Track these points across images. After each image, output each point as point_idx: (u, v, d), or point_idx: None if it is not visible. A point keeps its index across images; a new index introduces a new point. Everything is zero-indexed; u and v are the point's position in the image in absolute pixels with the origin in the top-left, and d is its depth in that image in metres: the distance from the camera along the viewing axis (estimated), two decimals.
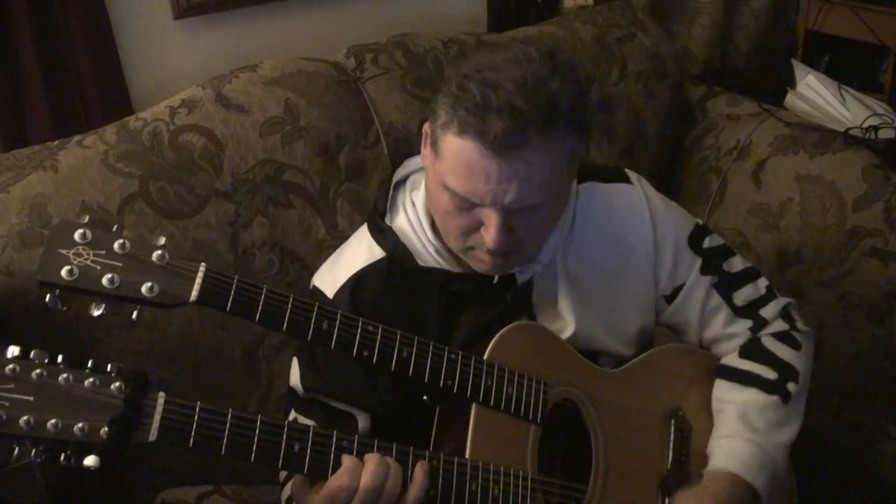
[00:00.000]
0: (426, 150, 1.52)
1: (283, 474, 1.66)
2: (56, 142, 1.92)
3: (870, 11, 3.03)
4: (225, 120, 2.02)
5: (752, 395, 1.73)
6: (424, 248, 1.63)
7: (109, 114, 2.10)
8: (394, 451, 1.41)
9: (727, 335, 1.80)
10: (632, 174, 1.77)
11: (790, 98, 2.83)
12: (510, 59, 1.41)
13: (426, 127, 1.51)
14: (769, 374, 1.75)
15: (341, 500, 1.36)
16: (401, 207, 1.67)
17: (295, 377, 1.66)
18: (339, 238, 2.07)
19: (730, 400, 1.75)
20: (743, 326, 1.80)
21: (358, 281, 1.62)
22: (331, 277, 1.66)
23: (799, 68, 2.94)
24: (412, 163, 1.72)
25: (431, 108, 1.47)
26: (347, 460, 1.37)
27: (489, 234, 1.46)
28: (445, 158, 1.44)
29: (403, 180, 1.72)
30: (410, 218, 1.64)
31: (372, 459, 1.38)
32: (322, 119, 2.12)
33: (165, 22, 2.27)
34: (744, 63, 3.21)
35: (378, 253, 1.65)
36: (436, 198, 1.51)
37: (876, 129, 2.52)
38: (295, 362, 1.67)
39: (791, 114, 2.72)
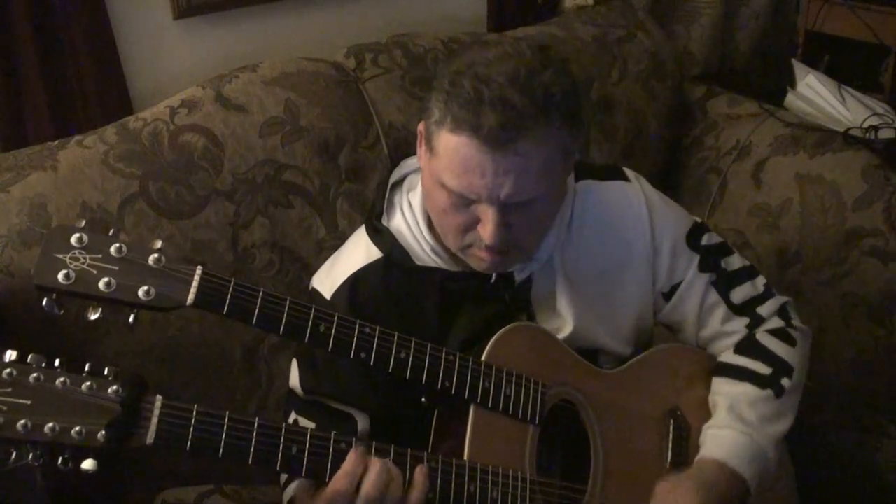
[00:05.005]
0: (421, 150, 1.52)
1: (283, 476, 1.67)
2: (56, 142, 1.92)
3: (870, 11, 3.03)
4: (225, 120, 2.02)
5: (745, 389, 1.73)
6: (421, 247, 1.63)
7: (109, 114, 2.10)
8: (391, 453, 1.41)
9: (724, 333, 1.81)
10: (630, 172, 1.78)
11: (790, 98, 2.83)
12: (501, 54, 1.42)
13: (420, 126, 1.51)
14: (763, 369, 1.75)
15: None
16: (397, 208, 1.67)
17: (294, 379, 1.66)
18: (339, 238, 2.08)
19: (723, 393, 1.75)
20: (740, 324, 1.80)
21: (355, 281, 1.63)
22: (328, 279, 1.66)
23: (799, 68, 2.94)
24: (409, 164, 1.73)
25: (425, 106, 1.48)
26: (348, 463, 1.37)
27: (486, 231, 1.46)
28: (441, 156, 1.44)
29: (400, 181, 1.72)
30: (407, 218, 1.64)
31: (374, 467, 1.37)
32: (322, 119, 2.12)
33: (165, 22, 2.26)
34: (744, 63, 3.21)
35: (375, 253, 1.65)
36: (432, 196, 1.52)
37: (876, 129, 2.53)
38: (294, 363, 1.67)
39: (791, 114, 2.72)
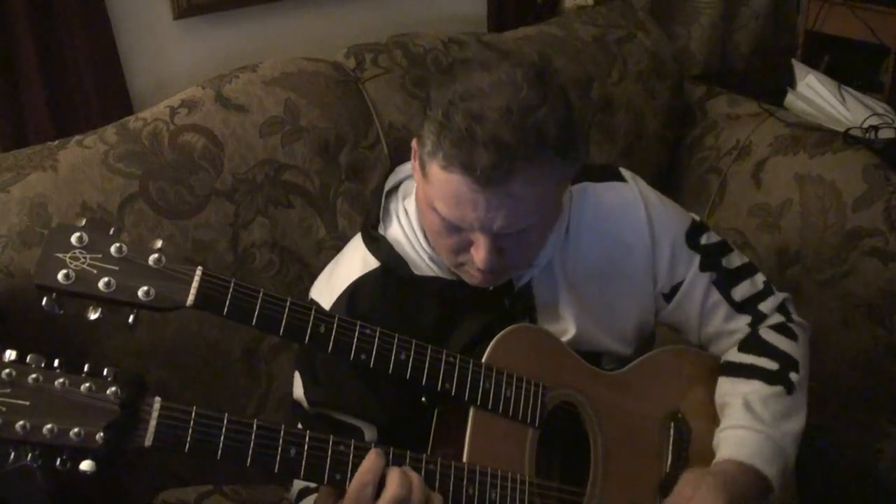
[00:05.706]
0: (415, 164, 1.51)
1: (295, 487, 1.67)
2: (56, 142, 1.92)
3: (870, 11, 3.03)
4: (225, 120, 2.02)
5: (756, 387, 1.72)
6: (419, 256, 1.62)
7: (109, 114, 2.10)
8: (390, 455, 1.41)
9: (727, 331, 1.80)
10: (626, 172, 1.76)
11: (790, 98, 2.83)
12: (496, 83, 1.38)
13: (414, 143, 1.50)
14: (770, 364, 1.74)
15: None
16: (394, 216, 1.66)
17: (299, 391, 1.66)
18: (339, 238, 2.08)
19: (733, 393, 1.74)
20: (742, 322, 1.79)
21: (354, 292, 1.62)
22: (327, 290, 1.66)
23: (799, 68, 2.94)
24: (403, 170, 1.71)
25: (418, 131, 1.46)
26: (368, 461, 1.37)
27: (479, 256, 1.45)
28: (433, 185, 1.43)
29: (395, 188, 1.71)
30: (404, 226, 1.63)
31: (393, 478, 1.37)
32: (322, 119, 2.12)
33: (165, 22, 2.27)
34: (744, 63, 3.21)
35: (372, 263, 1.64)
36: (426, 216, 1.51)
37: (876, 129, 2.53)
38: (297, 376, 1.67)
39: (791, 114, 2.71)
